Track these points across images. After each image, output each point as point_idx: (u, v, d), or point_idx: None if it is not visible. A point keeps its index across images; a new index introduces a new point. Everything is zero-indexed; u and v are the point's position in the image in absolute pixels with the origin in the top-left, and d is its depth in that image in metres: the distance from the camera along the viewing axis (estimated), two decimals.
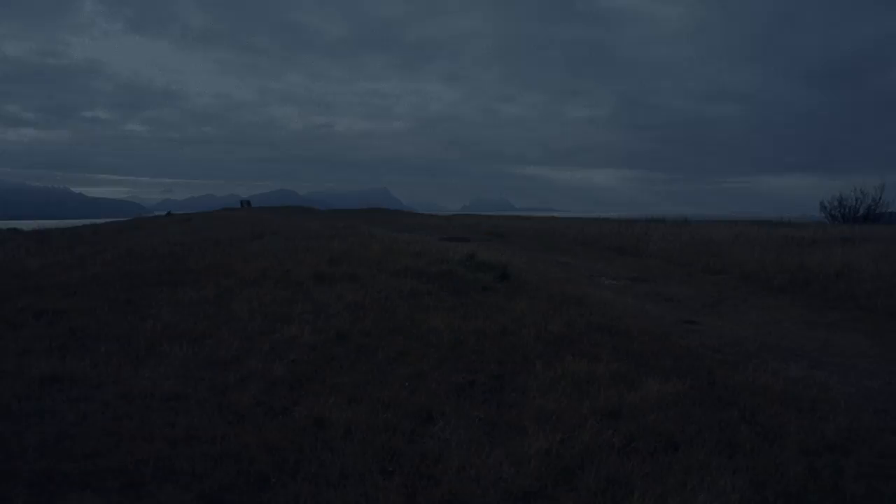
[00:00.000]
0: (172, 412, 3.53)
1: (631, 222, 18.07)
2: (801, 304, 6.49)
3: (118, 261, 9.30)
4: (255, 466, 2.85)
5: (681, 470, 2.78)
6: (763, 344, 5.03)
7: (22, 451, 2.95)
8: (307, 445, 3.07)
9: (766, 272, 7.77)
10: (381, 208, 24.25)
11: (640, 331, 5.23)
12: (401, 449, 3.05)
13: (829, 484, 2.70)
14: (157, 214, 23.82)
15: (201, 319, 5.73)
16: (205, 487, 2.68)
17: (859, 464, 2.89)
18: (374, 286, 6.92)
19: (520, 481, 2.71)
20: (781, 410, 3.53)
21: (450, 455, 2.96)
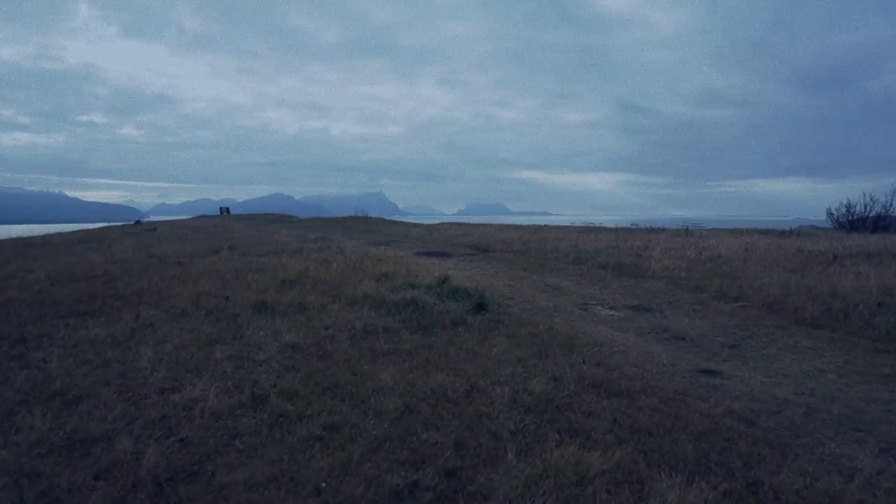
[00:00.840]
0: None
1: (629, 231, 16.93)
2: (842, 344, 5.32)
3: (42, 282, 8.10)
4: None
5: None
6: (809, 409, 3.86)
7: None
8: None
9: (793, 300, 6.59)
10: (364, 216, 23.12)
11: (647, 389, 4.04)
12: None
13: None
14: (125, 223, 22.60)
15: (93, 369, 4.55)
16: None
17: None
18: (323, 320, 5.74)
19: None
20: None
21: None
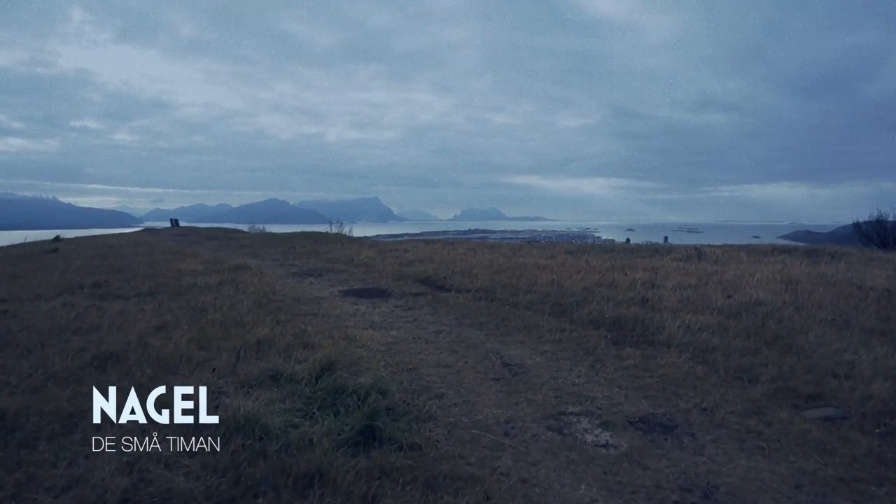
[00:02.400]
0: None
1: (628, 254, 13.99)
2: None
3: None
4: None
5: None
6: None
7: None
8: None
9: None
10: (322, 232, 20.23)
11: None
12: None
13: None
14: (43, 239, 19.62)
15: None
16: None
17: None
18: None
19: None
20: None
21: None
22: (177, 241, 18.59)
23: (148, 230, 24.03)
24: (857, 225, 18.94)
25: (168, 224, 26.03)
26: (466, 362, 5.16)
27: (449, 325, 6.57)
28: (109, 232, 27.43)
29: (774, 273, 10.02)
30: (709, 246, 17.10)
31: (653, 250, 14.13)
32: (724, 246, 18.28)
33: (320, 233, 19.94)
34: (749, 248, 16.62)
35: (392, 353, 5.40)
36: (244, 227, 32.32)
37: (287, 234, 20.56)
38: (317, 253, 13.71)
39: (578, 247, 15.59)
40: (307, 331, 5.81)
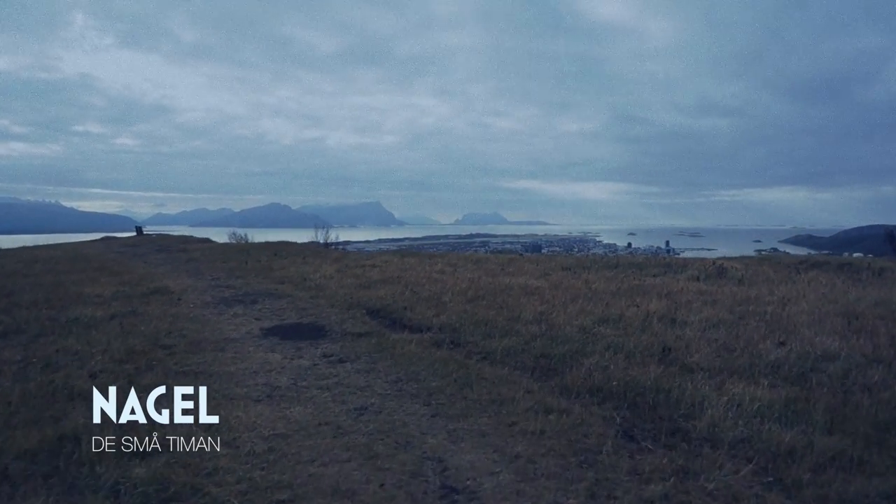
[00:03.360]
0: None
1: (635, 270, 11.90)
2: None
3: None
4: None
5: None
6: None
7: None
8: None
9: None
10: (292, 242, 18.25)
11: None
12: None
13: None
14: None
15: None
16: None
17: None
18: None
19: None
20: None
21: None
22: (121, 253, 16.57)
23: (105, 239, 22.15)
24: (890, 235, 16.77)
25: (133, 232, 24.09)
26: (383, 485, 3.09)
27: (383, 393, 4.50)
28: (70, 240, 25.46)
29: (822, 300, 7.96)
30: (726, 259, 15.03)
31: (664, 265, 12.06)
32: (743, 258, 16.22)
33: (288, 243, 17.80)
34: (773, 262, 14.56)
35: (270, 460, 3.35)
36: (219, 236, 30.35)
37: (249, 244, 18.30)
38: (269, 270, 11.64)
39: (577, 261, 13.49)
40: (155, 422, 3.75)
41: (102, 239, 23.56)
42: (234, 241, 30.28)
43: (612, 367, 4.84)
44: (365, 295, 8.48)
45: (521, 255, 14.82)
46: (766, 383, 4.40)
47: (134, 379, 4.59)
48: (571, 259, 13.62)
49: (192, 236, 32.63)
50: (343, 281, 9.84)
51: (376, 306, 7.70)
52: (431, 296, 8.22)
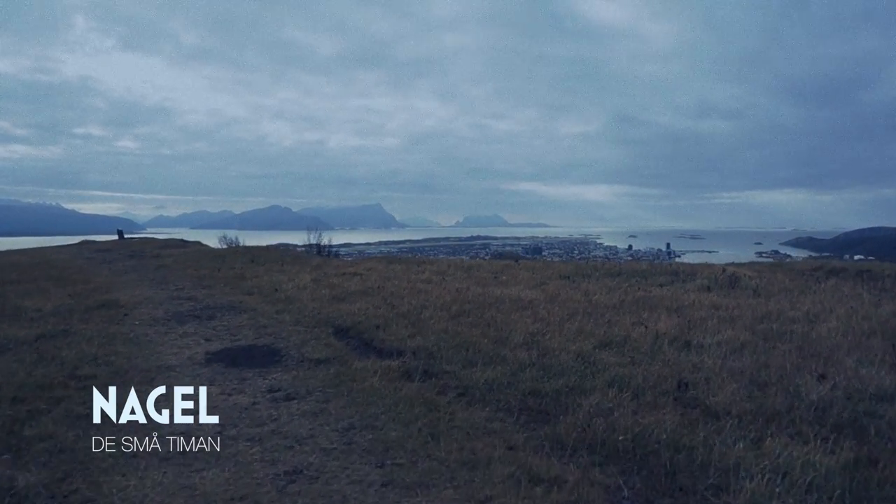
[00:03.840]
0: None
1: (640, 275, 10.94)
2: None
3: None
4: None
5: None
6: None
7: None
8: None
9: None
10: (266, 246, 17.33)
11: None
12: None
13: None
14: None
15: None
16: None
17: None
18: None
19: None
20: None
21: None
22: (90, 259, 15.61)
23: (82, 244, 21.27)
24: None
25: (116, 236, 23.11)
26: None
27: (327, 448, 3.56)
28: (48, 244, 24.53)
29: (852, 316, 7.00)
30: (736, 265, 14.07)
31: (671, 273, 11.07)
32: (753, 265, 15.26)
33: (265, 248, 16.71)
34: (786, 269, 13.60)
35: None
36: (215, 239, 29.43)
37: (229, 249, 17.16)
38: (241, 278, 10.67)
39: (576, 268, 12.50)
40: None
41: (80, 243, 22.61)
42: (224, 245, 29.29)
43: (616, 410, 3.89)
44: (336, 310, 7.52)
45: (517, 261, 13.90)
46: (813, 435, 3.45)
47: (14, 429, 3.65)
48: (570, 266, 12.65)
49: (182, 240, 31.63)
50: (317, 292, 8.88)
51: (346, 324, 6.74)
52: (411, 310, 7.27)
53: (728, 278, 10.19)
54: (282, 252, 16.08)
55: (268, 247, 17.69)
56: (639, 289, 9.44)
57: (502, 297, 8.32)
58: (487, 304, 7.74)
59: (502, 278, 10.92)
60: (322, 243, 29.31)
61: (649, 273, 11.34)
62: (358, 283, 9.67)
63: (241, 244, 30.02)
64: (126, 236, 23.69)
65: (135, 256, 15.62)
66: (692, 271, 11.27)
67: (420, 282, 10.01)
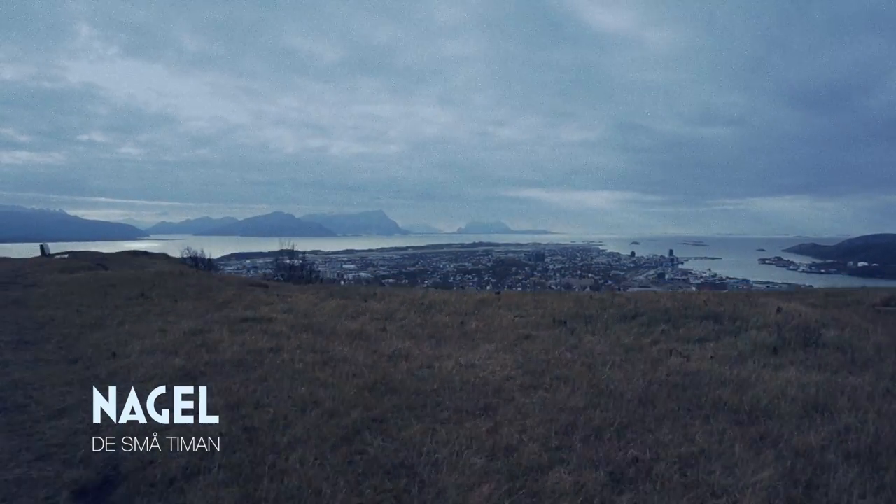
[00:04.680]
0: None
1: (668, 323, 7.67)
2: None
3: None
4: None
5: None
6: None
7: None
8: None
9: None
10: (180, 272, 13.81)
11: None
12: None
13: None
14: None
15: None
16: None
17: None
18: None
19: None
20: None
21: None
22: None
23: (40, 256, 18.53)
24: None
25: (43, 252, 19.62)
26: None
27: None
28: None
29: None
30: (789, 302, 10.74)
31: (711, 317, 7.74)
32: (806, 290, 11.97)
33: (175, 275, 12.58)
34: (851, 304, 10.33)
35: None
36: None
37: (128, 276, 12.75)
38: (94, 327, 7.29)
39: (576, 303, 9.15)
40: None
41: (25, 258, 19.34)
42: (187, 256, 26.14)
43: None
44: (124, 431, 4.22)
45: (499, 294, 10.69)
46: None
47: None
48: (569, 302, 9.30)
49: (147, 252, 28.44)
50: (158, 367, 5.56)
51: (122, 471, 3.47)
52: (273, 423, 3.99)
53: (798, 331, 6.88)
54: (199, 278, 12.49)
55: (198, 268, 14.33)
56: (670, 351, 6.18)
57: (450, 375, 5.06)
58: (423, 400, 4.47)
59: (471, 325, 7.65)
60: (209, 258, 26.16)
61: (677, 315, 8.06)
62: (247, 341, 6.33)
63: (206, 257, 26.85)
64: (56, 252, 19.75)
65: (8, 285, 12.09)
66: (737, 313, 7.99)
67: (344, 335, 6.74)
